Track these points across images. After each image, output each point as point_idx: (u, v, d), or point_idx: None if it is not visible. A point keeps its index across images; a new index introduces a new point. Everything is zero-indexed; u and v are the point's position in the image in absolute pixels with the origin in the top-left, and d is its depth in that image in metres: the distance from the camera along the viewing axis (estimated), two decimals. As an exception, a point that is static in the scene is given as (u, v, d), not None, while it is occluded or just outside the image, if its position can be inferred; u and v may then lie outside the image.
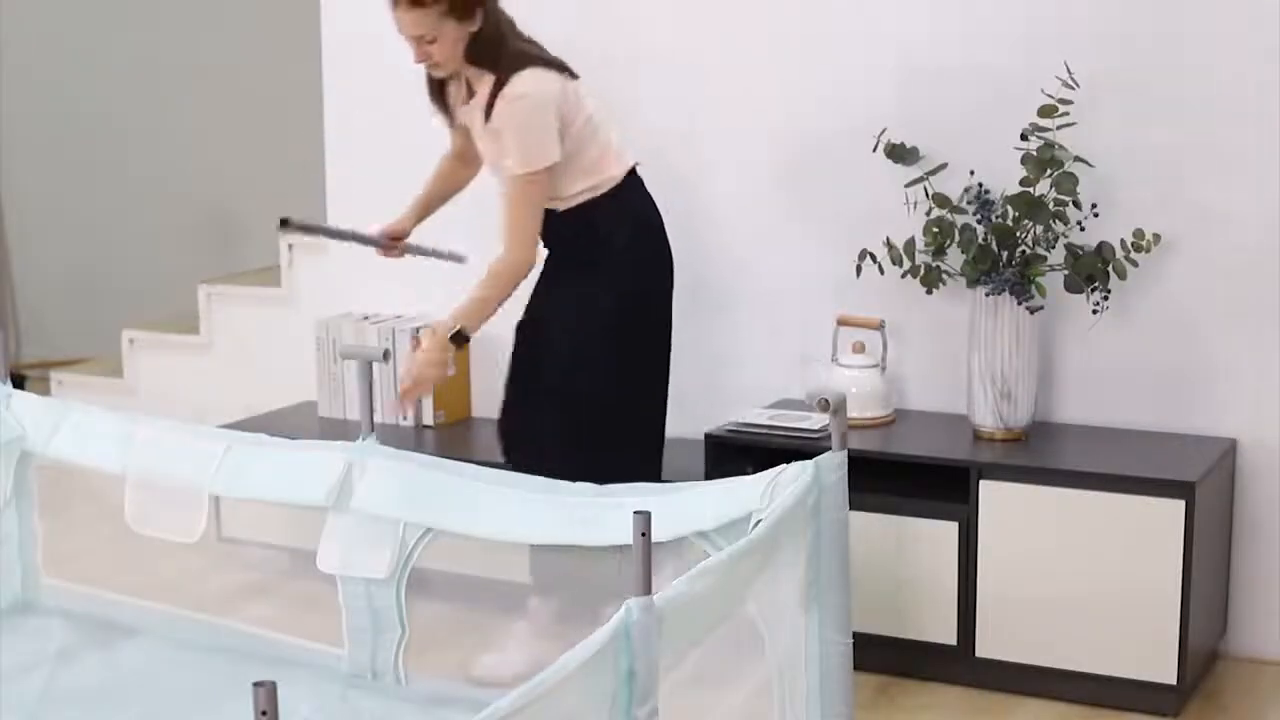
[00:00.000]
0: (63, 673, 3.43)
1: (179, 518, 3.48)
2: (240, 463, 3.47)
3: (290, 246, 4.87)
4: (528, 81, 3.40)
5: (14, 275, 6.67)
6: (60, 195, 6.52)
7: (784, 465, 2.86)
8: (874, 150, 3.89)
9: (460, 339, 3.39)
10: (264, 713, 1.68)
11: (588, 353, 3.56)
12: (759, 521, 2.68)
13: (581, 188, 3.52)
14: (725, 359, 4.25)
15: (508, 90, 3.38)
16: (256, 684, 1.68)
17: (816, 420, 3.77)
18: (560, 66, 3.49)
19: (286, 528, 4.07)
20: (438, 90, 3.62)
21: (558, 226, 3.55)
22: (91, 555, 3.86)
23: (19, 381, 4.30)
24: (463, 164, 3.75)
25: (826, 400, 2.88)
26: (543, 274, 3.65)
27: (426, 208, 3.79)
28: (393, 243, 3.77)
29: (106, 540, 3.63)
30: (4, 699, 3.22)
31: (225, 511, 4.32)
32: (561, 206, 3.53)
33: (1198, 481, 3.45)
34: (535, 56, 3.45)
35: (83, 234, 6.50)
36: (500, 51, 3.41)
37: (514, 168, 3.39)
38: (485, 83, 3.44)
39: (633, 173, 3.62)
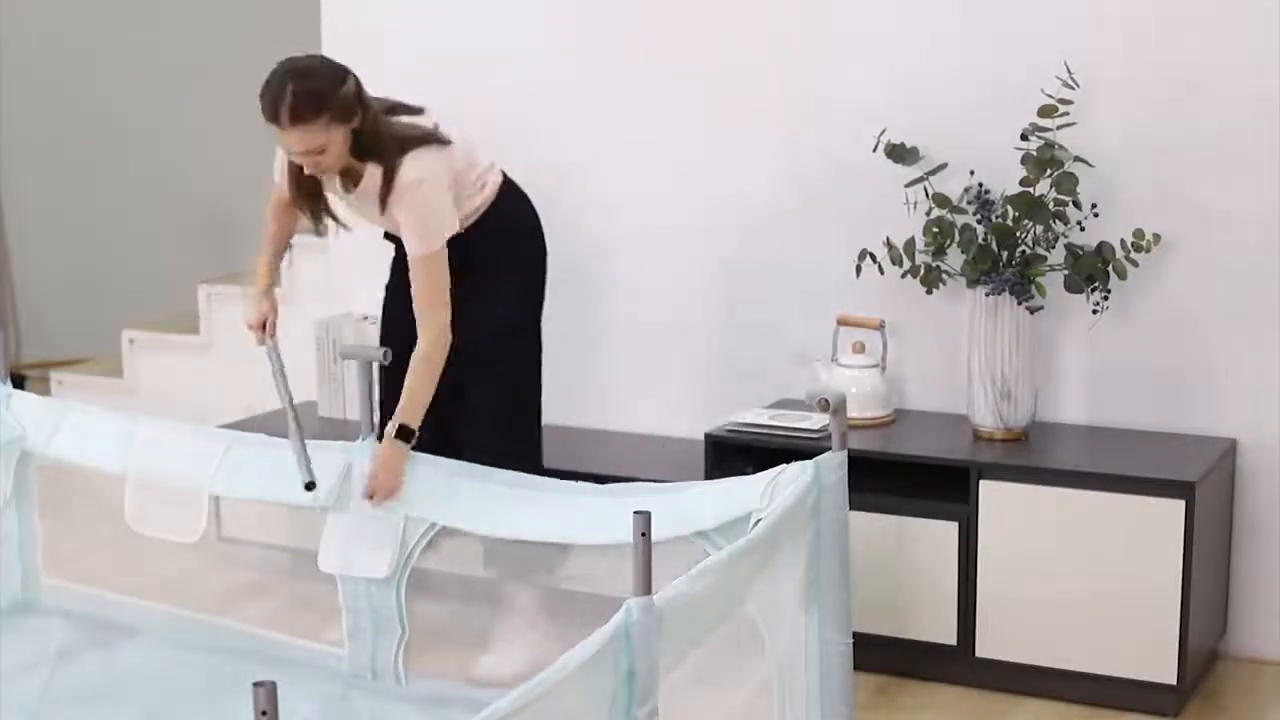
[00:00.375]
0: (63, 673, 3.43)
1: (179, 518, 3.49)
2: (240, 463, 3.47)
3: (290, 246, 4.86)
4: (417, 166, 3.34)
5: (14, 275, 6.67)
6: (60, 195, 6.51)
7: (784, 465, 2.87)
8: (874, 150, 3.89)
9: (405, 434, 3.30)
10: (264, 713, 1.68)
11: (509, 356, 3.60)
12: (759, 521, 2.68)
13: (468, 210, 3.52)
14: (725, 359, 4.25)
15: (399, 180, 3.33)
16: (256, 684, 1.69)
17: (816, 420, 3.76)
18: (430, 137, 3.41)
19: (286, 528, 4.07)
20: (303, 186, 3.48)
21: (459, 249, 3.49)
22: (91, 555, 3.86)
23: (19, 381, 4.30)
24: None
25: (826, 400, 2.89)
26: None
27: (279, 254, 3.73)
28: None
29: (106, 540, 3.63)
30: (4, 699, 3.23)
31: (225, 511, 4.32)
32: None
33: (1198, 481, 3.44)
34: (414, 137, 3.39)
35: (83, 234, 6.49)
36: (381, 142, 3.34)
37: (418, 250, 3.34)
38: (372, 172, 3.37)
39: (505, 178, 3.63)
